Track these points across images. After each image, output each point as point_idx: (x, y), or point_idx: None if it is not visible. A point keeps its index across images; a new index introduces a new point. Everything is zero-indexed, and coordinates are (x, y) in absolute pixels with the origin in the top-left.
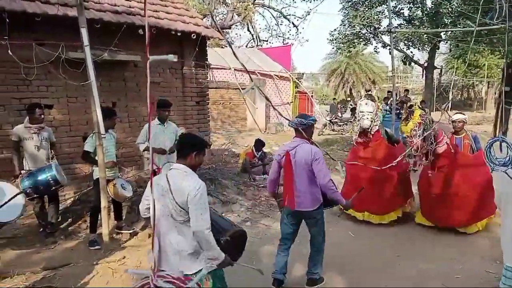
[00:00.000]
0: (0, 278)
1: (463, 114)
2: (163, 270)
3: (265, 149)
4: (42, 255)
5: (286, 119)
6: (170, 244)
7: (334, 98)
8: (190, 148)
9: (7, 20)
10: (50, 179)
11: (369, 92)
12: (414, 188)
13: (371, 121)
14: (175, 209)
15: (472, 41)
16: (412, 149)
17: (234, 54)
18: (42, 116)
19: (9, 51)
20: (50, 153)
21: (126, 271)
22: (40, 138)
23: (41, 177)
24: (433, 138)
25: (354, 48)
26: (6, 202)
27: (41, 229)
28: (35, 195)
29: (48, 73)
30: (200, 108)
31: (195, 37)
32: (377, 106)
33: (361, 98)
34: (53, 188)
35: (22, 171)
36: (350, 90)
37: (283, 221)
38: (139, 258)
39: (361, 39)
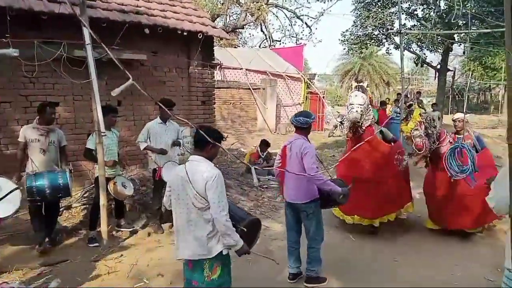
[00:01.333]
0: None
1: (463, 113)
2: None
3: (273, 150)
4: None
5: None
6: (190, 231)
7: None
8: (206, 140)
9: (8, 18)
10: (61, 185)
11: (361, 84)
12: (417, 191)
13: (361, 114)
14: (195, 197)
15: (484, 43)
16: (415, 149)
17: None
18: (53, 116)
19: (10, 49)
20: (60, 158)
21: None
22: (47, 141)
23: (51, 180)
24: (435, 138)
25: (366, 49)
26: (1, 198)
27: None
28: (37, 198)
29: (54, 71)
30: (206, 108)
31: (201, 36)
32: (369, 98)
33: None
34: (59, 196)
35: (23, 173)
36: None
37: (285, 212)
38: (136, 256)
39: (372, 40)
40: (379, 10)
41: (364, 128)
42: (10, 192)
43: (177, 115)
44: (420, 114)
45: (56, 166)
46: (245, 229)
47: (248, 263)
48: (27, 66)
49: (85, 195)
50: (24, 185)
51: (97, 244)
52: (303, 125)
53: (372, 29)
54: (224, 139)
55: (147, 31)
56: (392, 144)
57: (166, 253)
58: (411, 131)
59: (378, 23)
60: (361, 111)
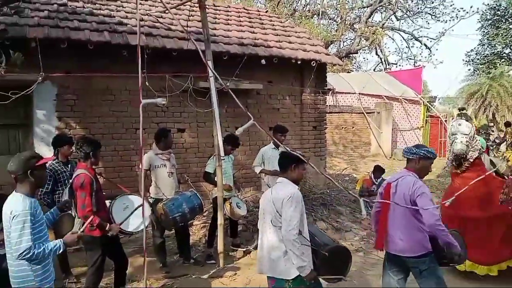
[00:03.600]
0: (130, 282)
1: None
2: None
3: (389, 176)
4: None
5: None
6: (270, 249)
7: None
8: (288, 162)
9: (145, 56)
10: (196, 205)
11: (464, 111)
12: None
13: (467, 146)
14: (275, 215)
15: None
16: None
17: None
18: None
19: (146, 82)
20: (184, 178)
21: None
22: (171, 164)
23: (189, 203)
24: None
25: (494, 69)
26: (131, 213)
27: (161, 265)
28: (181, 224)
29: (182, 101)
30: (317, 133)
31: (314, 64)
32: (475, 127)
33: (454, 118)
34: (197, 215)
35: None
36: (493, 114)
37: (384, 267)
38: (248, 276)
39: (503, 59)
40: (510, 26)
41: (471, 160)
42: (137, 208)
43: (289, 140)
44: None
45: (178, 187)
46: (327, 254)
47: None
48: (159, 97)
49: (204, 214)
50: (168, 213)
51: (213, 261)
52: (409, 155)
53: (502, 47)
54: (305, 162)
55: (263, 62)
56: (506, 178)
57: None
58: None
59: (509, 41)
60: (467, 141)
